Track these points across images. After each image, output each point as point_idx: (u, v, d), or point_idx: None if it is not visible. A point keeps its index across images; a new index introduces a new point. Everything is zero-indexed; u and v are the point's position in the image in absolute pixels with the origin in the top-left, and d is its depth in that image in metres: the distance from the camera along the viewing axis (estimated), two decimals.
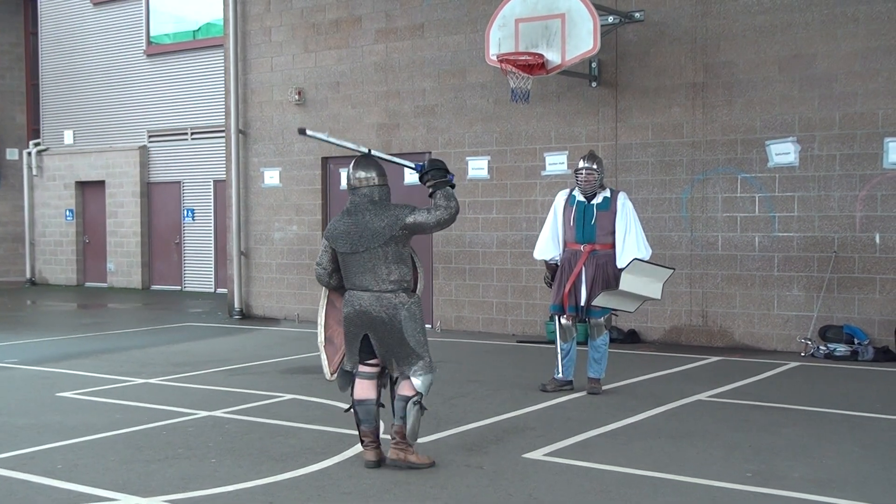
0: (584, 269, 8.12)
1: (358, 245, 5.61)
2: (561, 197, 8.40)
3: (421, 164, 5.84)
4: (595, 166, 8.18)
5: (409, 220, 5.58)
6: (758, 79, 10.82)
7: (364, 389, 5.81)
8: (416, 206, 5.71)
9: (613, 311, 8.40)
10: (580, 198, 8.23)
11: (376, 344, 5.66)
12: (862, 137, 10.31)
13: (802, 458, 6.01)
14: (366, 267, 5.62)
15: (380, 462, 5.74)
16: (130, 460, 6.00)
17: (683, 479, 5.53)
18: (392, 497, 5.20)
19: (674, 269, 8.88)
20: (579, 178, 8.22)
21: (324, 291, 5.98)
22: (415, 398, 5.65)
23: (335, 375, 5.94)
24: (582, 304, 8.15)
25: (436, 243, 13.02)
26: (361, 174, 5.73)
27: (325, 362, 5.93)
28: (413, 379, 5.64)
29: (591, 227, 8.13)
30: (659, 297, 8.28)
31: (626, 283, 7.88)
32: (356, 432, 6.60)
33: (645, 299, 8.23)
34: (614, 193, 8.25)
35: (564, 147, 12.03)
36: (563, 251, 8.27)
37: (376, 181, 5.73)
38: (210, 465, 5.88)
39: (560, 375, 8.26)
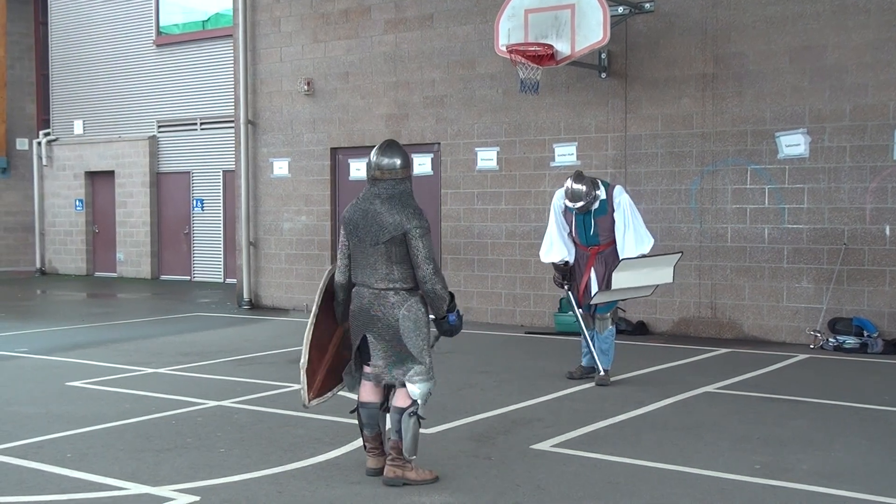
0: (593, 270, 8.22)
1: (365, 237, 5.20)
2: (558, 199, 8.34)
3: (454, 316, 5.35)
4: (584, 188, 8.04)
5: (411, 232, 5.15)
6: (768, 70, 10.77)
7: (368, 392, 5.38)
8: (426, 235, 5.24)
9: (619, 306, 8.52)
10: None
11: (373, 345, 5.21)
12: (872, 129, 10.26)
13: (811, 450, 6.00)
14: (367, 262, 5.21)
15: (380, 470, 5.32)
16: (139, 449, 6.02)
17: (691, 470, 5.52)
18: (399, 488, 5.20)
19: (681, 252, 9.03)
20: (573, 207, 8.14)
21: (314, 309, 5.41)
22: (410, 409, 5.16)
23: (314, 402, 5.45)
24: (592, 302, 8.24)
25: (444, 234, 13.02)
26: (385, 162, 5.24)
27: (303, 388, 5.39)
28: (409, 385, 5.15)
29: (592, 235, 8.21)
30: (671, 281, 8.47)
31: (620, 281, 7.93)
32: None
33: (658, 284, 8.35)
34: (609, 190, 8.19)
35: (574, 138, 12.00)
36: (576, 249, 8.34)
37: (399, 174, 5.26)
38: (219, 455, 5.90)
39: (599, 365, 8.24)
